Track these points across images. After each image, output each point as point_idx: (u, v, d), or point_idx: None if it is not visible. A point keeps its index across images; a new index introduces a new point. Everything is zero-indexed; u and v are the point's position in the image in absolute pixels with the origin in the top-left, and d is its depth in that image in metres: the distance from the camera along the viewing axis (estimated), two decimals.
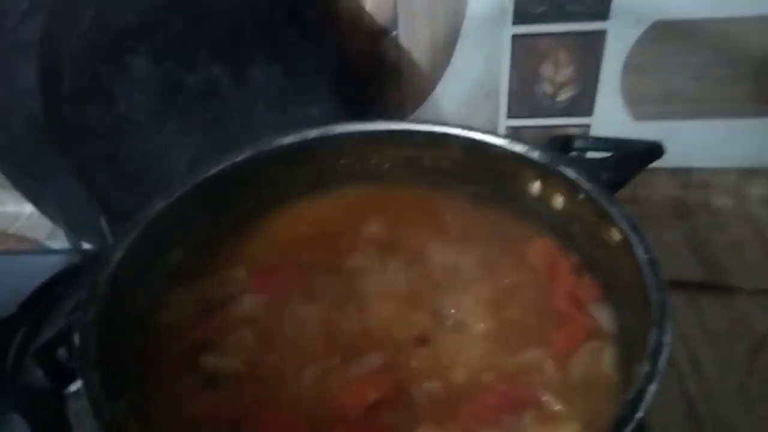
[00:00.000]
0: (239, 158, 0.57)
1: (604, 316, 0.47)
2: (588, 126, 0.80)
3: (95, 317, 0.42)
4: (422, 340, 0.47)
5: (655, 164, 0.54)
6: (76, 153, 0.75)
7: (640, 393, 0.34)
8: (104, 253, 0.46)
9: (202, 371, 0.45)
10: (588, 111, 0.80)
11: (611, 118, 0.79)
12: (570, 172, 0.51)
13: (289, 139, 0.59)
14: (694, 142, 0.80)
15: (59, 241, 0.92)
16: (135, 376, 0.44)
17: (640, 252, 0.43)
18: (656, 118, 0.79)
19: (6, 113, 0.74)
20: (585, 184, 0.50)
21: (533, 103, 0.79)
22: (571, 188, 0.52)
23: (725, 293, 0.72)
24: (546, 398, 0.41)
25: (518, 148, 0.55)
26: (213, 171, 0.56)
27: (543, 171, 0.54)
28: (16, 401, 0.36)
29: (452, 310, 0.49)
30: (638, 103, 0.78)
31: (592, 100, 0.79)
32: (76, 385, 0.61)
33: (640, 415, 0.33)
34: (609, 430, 0.33)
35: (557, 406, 0.41)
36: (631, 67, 0.74)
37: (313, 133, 0.60)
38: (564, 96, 0.79)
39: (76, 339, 0.40)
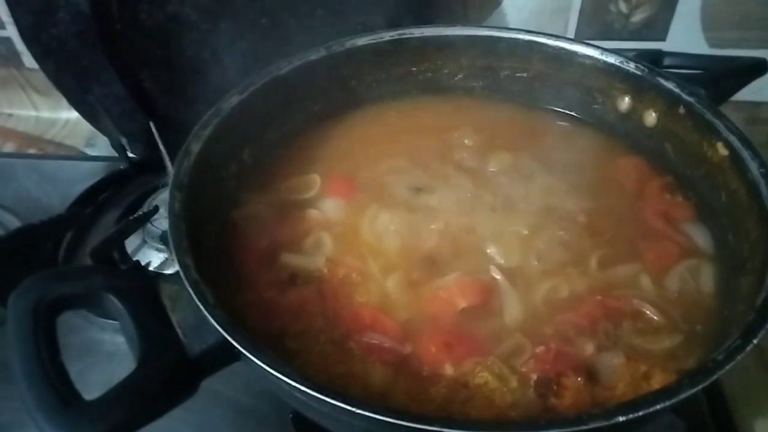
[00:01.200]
0: (313, 57, 0.54)
1: (699, 235, 0.46)
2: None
3: (182, 206, 0.40)
4: (507, 255, 0.45)
5: (756, 98, 0.51)
6: (122, 53, 0.71)
7: None
8: (185, 145, 0.44)
9: (283, 269, 0.44)
10: (662, 35, 0.75)
11: (686, 43, 0.75)
12: (670, 85, 0.49)
13: (363, 41, 0.56)
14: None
15: (97, 149, 0.90)
16: (217, 268, 0.43)
17: (753, 166, 0.41)
18: (733, 46, 0.75)
19: (50, 9, 0.70)
20: (687, 97, 0.47)
21: (605, 23, 0.75)
22: (669, 102, 0.49)
23: None
24: (645, 309, 0.40)
25: (612, 59, 0.52)
26: (285, 69, 0.53)
27: (638, 84, 0.51)
28: (110, 283, 0.35)
29: (541, 225, 0.47)
30: (716, 29, 0.74)
31: (668, 23, 0.74)
32: (170, 270, 0.61)
33: None
34: (738, 336, 0.31)
35: (656, 317, 0.40)
36: None
37: (388, 35, 0.57)
38: (639, 17, 0.74)
39: (168, 227, 0.38)
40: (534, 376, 0.37)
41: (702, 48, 0.75)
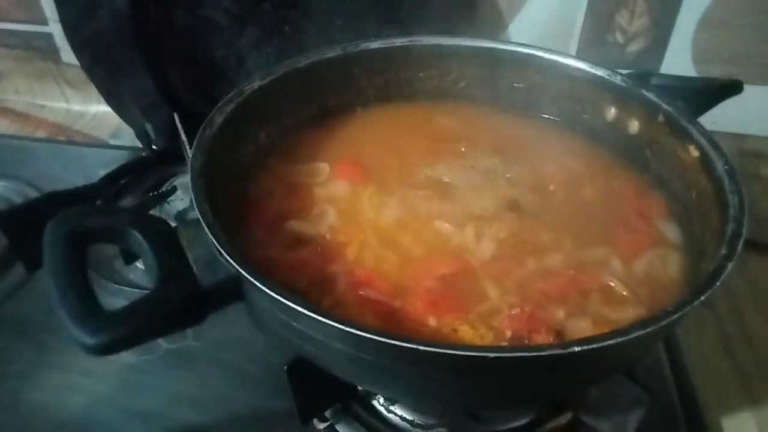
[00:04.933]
0: (329, 55, 0.60)
1: (669, 230, 0.50)
2: None
3: (202, 165, 0.45)
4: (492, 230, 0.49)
5: (710, 128, 0.56)
6: (154, 50, 0.77)
7: (720, 267, 0.36)
8: (209, 116, 0.49)
9: (289, 233, 0.49)
10: (656, 66, 0.81)
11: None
12: (651, 96, 0.54)
13: (375, 44, 0.62)
14: (754, 109, 0.81)
15: (121, 141, 0.96)
16: (229, 229, 0.47)
17: (719, 164, 0.46)
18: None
19: (94, 6, 0.77)
20: (665, 106, 0.52)
21: (603, 51, 0.80)
22: (650, 111, 0.54)
23: None
24: (613, 284, 0.44)
25: (601, 72, 0.57)
26: (303, 63, 0.59)
27: (622, 96, 0.56)
28: (135, 220, 0.40)
29: (527, 212, 0.51)
30: (706, 62, 0.79)
31: (661, 55, 0.80)
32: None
33: (717, 285, 0.35)
34: (688, 295, 0.35)
35: (624, 292, 0.44)
36: (706, 23, 0.75)
37: (399, 41, 0.62)
38: (634, 47, 0.80)
39: (190, 180, 0.43)
40: (508, 333, 0.41)
41: None
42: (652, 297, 0.44)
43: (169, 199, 0.71)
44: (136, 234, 0.39)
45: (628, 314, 0.42)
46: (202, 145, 0.47)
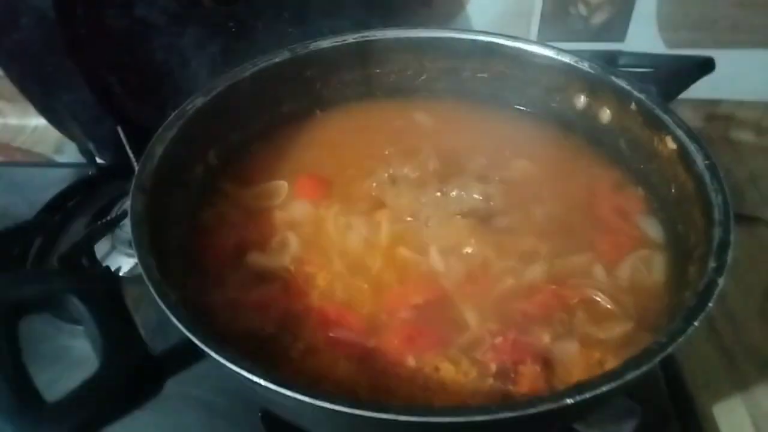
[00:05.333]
0: (277, 59, 0.55)
1: (650, 227, 0.48)
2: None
3: (144, 207, 0.41)
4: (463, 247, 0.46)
5: (681, 95, 0.53)
6: (89, 58, 0.71)
7: (710, 285, 0.34)
8: (148, 147, 0.45)
9: (249, 268, 0.45)
10: (620, 36, 0.78)
11: (643, 44, 0.77)
12: (621, 82, 0.50)
13: (326, 43, 0.57)
14: (724, 74, 0.78)
15: (66, 156, 0.89)
16: (183, 269, 0.43)
17: (699, 158, 0.43)
18: (688, 46, 0.77)
19: (13, 12, 0.70)
20: (637, 94, 0.49)
21: (566, 25, 0.77)
22: (621, 99, 0.51)
23: (746, 223, 0.73)
24: (598, 298, 0.42)
25: (567, 58, 0.54)
26: (249, 71, 0.54)
27: (591, 83, 0.53)
28: (72, 285, 0.35)
29: (497, 220, 0.49)
30: (672, 30, 0.76)
31: (626, 24, 0.77)
32: (130, 263, 0.61)
33: (710, 306, 0.33)
34: (680, 320, 0.33)
35: (609, 306, 0.41)
36: None
37: (352, 37, 0.58)
38: (598, 19, 0.76)
39: (130, 228, 0.39)
40: (493, 366, 0.38)
41: (659, 48, 0.78)
42: (638, 306, 0.42)
43: (121, 223, 0.66)
44: (75, 300, 0.35)
45: (617, 331, 0.40)
46: (141, 183, 0.42)
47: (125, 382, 0.33)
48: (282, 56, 0.55)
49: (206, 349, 0.32)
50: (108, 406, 0.32)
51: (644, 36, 0.78)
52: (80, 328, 0.59)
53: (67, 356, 0.60)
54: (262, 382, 0.30)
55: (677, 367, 0.57)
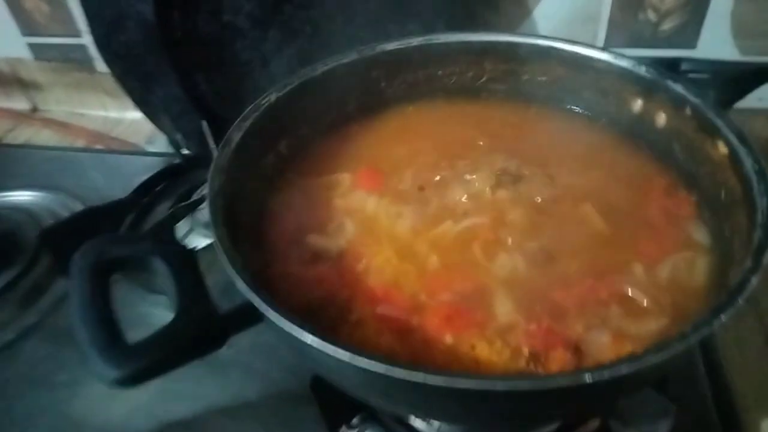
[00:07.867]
0: (345, 60, 0.59)
1: (697, 231, 0.48)
2: None
3: (220, 185, 0.46)
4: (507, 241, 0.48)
5: (755, 105, 0.52)
6: (181, 58, 0.79)
7: (743, 282, 0.35)
8: (227, 134, 0.50)
9: (309, 248, 0.49)
10: (692, 43, 0.77)
11: (716, 52, 0.76)
12: (678, 87, 0.51)
13: (392, 46, 0.61)
14: None
15: (156, 146, 0.99)
16: (250, 243, 0.48)
17: (748, 162, 0.43)
18: (765, 54, 0.75)
19: (122, 18, 0.78)
20: (693, 99, 0.50)
21: (634, 31, 0.77)
22: (677, 104, 0.51)
23: None
24: (634, 295, 0.43)
25: (625, 63, 0.55)
26: (320, 70, 0.58)
27: (648, 87, 0.54)
28: (157, 248, 0.41)
29: (546, 216, 0.50)
30: (747, 36, 0.74)
31: (698, 30, 0.76)
32: (205, 242, 0.68)
33: (740, 301, 0.34)
34: (709, 313, 0.34)
35: (645, 302, 0.43)
36: None
37: (416, 40, 0.61)
38: (668, 25, 0.76)
39: (207, 204, 0.44)
40: (526, 350, 0.40)
41: (733, 55, 0.76)
42: (675, 305, 0.43)
43: (199, 207, 0.73)
44: (160, 261, 0.41)
45: (650, 327, 0.41)
46: (219, 165, 0.47)
47: (194, 333, 0.38)
48: (350, 57, 0.59)
49: (264, 310, 0.36)
50: (178, 352, 0.37)
51: (717, 43, 0.77)
52: (160, 297, 0.67)
53: (149, 321, 0.66)
54: (310, 339, 0.34)
55: (725, 381, 0.56)
